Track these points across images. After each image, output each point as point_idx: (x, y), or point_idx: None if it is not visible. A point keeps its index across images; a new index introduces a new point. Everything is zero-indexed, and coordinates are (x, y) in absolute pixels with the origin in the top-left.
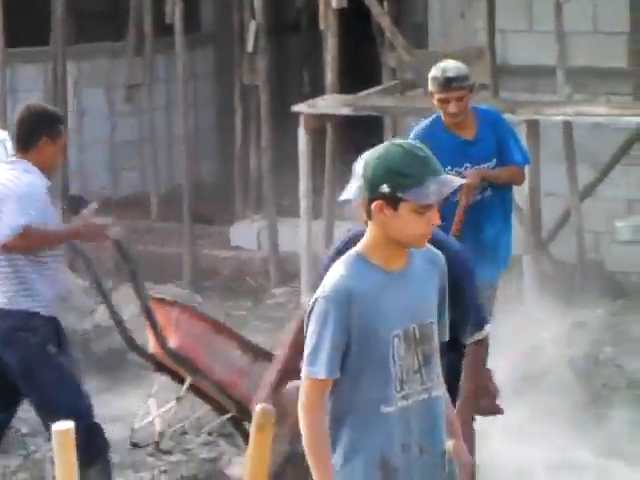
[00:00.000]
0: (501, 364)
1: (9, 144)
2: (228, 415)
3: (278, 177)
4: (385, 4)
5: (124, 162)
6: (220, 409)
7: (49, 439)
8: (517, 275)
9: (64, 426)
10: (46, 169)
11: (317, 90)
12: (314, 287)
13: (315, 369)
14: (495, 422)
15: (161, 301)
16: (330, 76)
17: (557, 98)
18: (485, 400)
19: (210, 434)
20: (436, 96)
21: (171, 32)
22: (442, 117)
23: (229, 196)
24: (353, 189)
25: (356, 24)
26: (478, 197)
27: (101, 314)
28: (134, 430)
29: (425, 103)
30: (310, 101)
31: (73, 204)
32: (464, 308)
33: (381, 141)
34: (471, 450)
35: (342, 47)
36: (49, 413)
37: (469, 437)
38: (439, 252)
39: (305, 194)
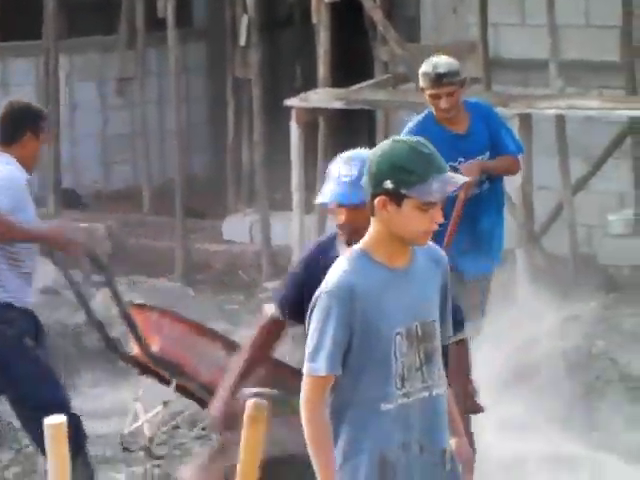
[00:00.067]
0: (494, 357)
1: None
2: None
3: (270, 171)
4: None
5: (116, 156)
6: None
7: (38, 436)
8: (510, 268)
9: (56, 420)
10: (27, 164)
11: (309, 84)
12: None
13: (316, 365)
14: (488, 415)
15: (140, 307)
16: (322, 70)
17: (549, 92)
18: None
19: (203, 429)
20: (427, 92)
21: (163, 26)
22: (434, 112)
23: (221, 190)
24: (328, 192)
25: (348, 18)
26: (476, 191)
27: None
28: (124, 435)
29: (417, 97)
30: (302, 95)
31: (65, 198)
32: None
33: (373, 135)
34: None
35: (334, 41)
36: (26, 407)
37: (469, 435)
38: (442, 251)
39: (297, 188)
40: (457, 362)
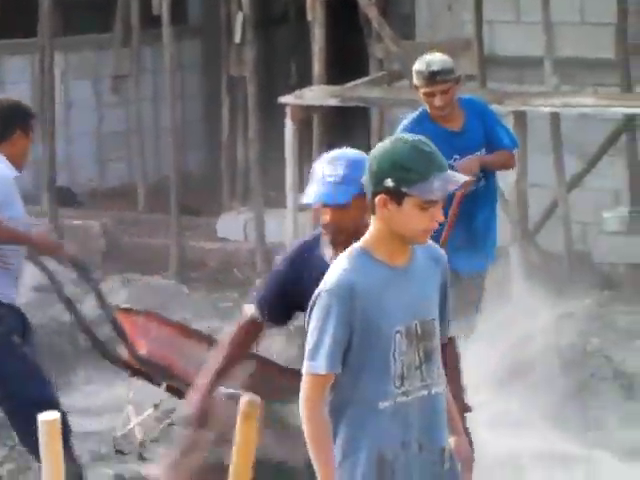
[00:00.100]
0: (488, 354)
1: None
2: None
3: (265, 168)
4: None
5: (111, 153)
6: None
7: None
8: (504, 266)
9: (51, 416)
10: (16, 161)
11: (304, 81)
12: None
13: (316, 364)
14: (482, 412)
15: (126, 311)
16: (317, 67)
17: (544, 89)
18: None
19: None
20: (421, 90)
21: (158, 24)
22: (428, 109)
23: (216, 187)
24: (313, 192)
25: (343, 15)
26: (473, 187)
27: (88, 305)
28: (116, 438)
29: (412, 94)
30: (297, 92)
31: (60, 196)
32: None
33: (368, 132)
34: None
35: (329, 38)
36: (13, 404)
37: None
38: (441, 250)
39: (292, 185)
40: (452, 360)
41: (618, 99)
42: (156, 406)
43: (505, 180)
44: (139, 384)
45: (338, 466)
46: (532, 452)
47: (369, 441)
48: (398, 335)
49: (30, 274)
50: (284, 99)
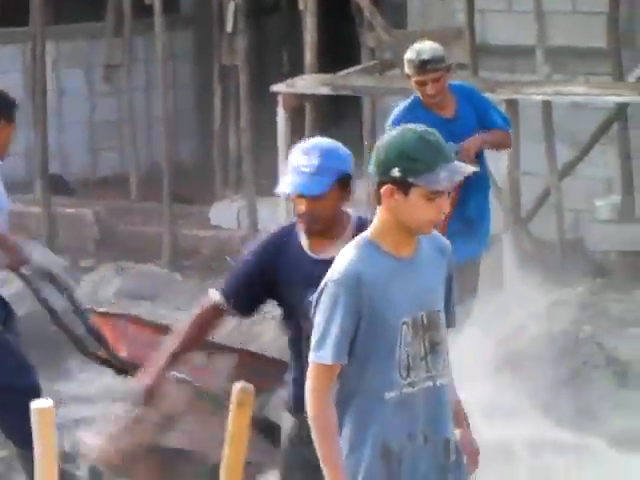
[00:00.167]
0: (481, 342)
1: None
2: None
3: (257, 157)
4: None
5: (103, 142)
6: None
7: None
8: (497, 253)
9: (44, 404)
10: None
11: (296, 70)
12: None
13: (323, 353)
14: (475, 400)
15: (104, 315)
16: (309, 56)
17: (536, 78)
18: None
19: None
20: (413, 79)
21: (150, 13)
22: (421, 97)
23: (209, 176)
24: (289, 183)
25: (335, 4)
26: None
27: (81, 293)
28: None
29: (404, 83)
30: (289, 81)
31: (53, 184)
32: None
33: (360, 121)
34: None
35: (321, 27)
36: None
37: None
38: (447, 240)
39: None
40: None
41: (610, 88)
42: None
43: (498, 168)
44: None
45: (345, 458)
46: (524, 440)
47: (375, 432)
48: (405, 326)
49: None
50: (276, 88)
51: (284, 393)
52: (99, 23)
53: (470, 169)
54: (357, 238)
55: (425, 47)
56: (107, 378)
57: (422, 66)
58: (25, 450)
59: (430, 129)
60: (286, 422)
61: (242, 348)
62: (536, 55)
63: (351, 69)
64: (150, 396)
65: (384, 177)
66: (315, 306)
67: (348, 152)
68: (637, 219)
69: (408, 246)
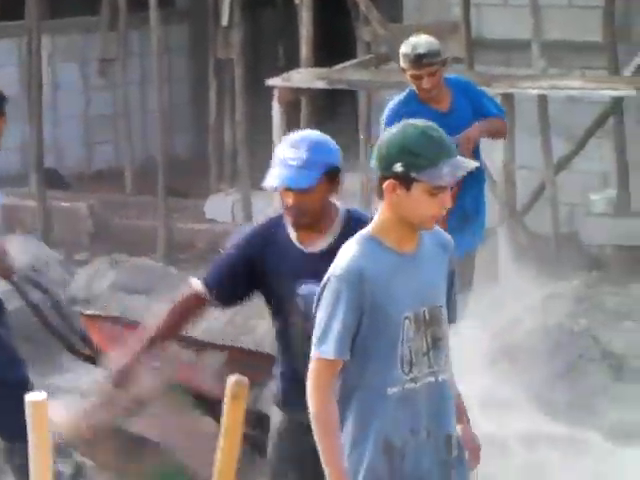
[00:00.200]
0: (476, 335)
1: None
2: None
3: (252, 150)
4: None
5: (98, 136)
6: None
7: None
8: (492, 247)
9: (39, 397)
10: None
11: (292, 64)
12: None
13: (325, 349)
14: (470, 393)
15: (92, 317)
16: (305, 50)
17: (532, 72)
18: None
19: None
20: (408, 73)
21: (145, 7)
22: (416, 91)
23: (203, 170)
24: (276, 176)
25: None
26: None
27: (76, 286)
28: None
29: (399, 77)
30: (284, 74)
31: (48, 178)
32: None
33: (355, 115)
34: None
35: (317, 21)
36: None
37: None
38: (449, 236)
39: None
40: None
41: (605, 82)
42: None
43: (493, 161)
44: None
45: (348, 456)
46: (520, 433)
47: (378, 427)
48: (407, 321)
49: (17, 257)
50: (271, 81)
51: (273, 387)
52: (94, 17)
53: (472, 164)
54: (359, 234)
55: (421, 41)
56: (99, 372)
57: (418, 60)
58: (13, 444)
59: (433, 124)
60: (275, 416)
61: (232, 345)
62: (532, 49)
63: (347, 63)
64: (122, 378)
65: (386, 172)
66: (317, 302)
67: (336, 145)
68: (632, 213)
69: (410, 242)
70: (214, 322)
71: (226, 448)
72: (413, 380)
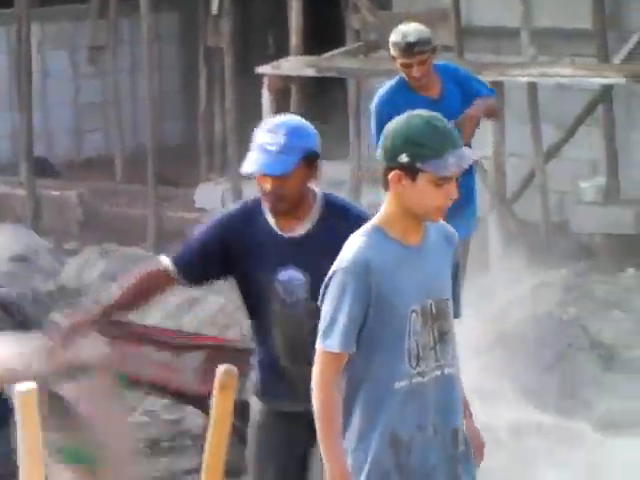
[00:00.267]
0: (465, 324)
1: None
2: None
3: (242, 139)
4: None
5: (88, 124)
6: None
7: None
8: (482, 235)
9: (27, 386)
10: None
11: (282, 52)
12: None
13: (330, 342)
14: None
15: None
16: (294, 38)
17: (522, 59)
18: None
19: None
20: (398, 61)
21: None
22: (406, 78)
23: (193, 158)
24: (253, 161)
25: None
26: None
27: (66, 276)
28: None
29: (389, 65)
30: (274, 63)
31: (38, 166)
32: None
33: (345, 102)
34: None
35: (306, 9)
36: None
37: None
38: (453, 229)
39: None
40: None
41: (595, 69)
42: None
43: (483, 149)
44: None
45: (354, 450)
46: (508, 422)
47: (385, 421)
48: (414, 314)
49: (7, 246)
50: (261, 69)
51: (252, 376)
52: (84, 5)
53: (477, 154)
54: (365, 226)
55: (410, 29)
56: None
57: (408, 49)
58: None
59: (437, 115)
60: (254, 406)
61: (209, 344)
62: (521, 37)
63: (336, 51)
64: (67, 340)
65: (391, 163)
66: (322, 295)
67: (315, 130)
68: (622, 201)
69: (416, 233)
70: (202, 312)
71: (215, 438)
72: (421, 374)
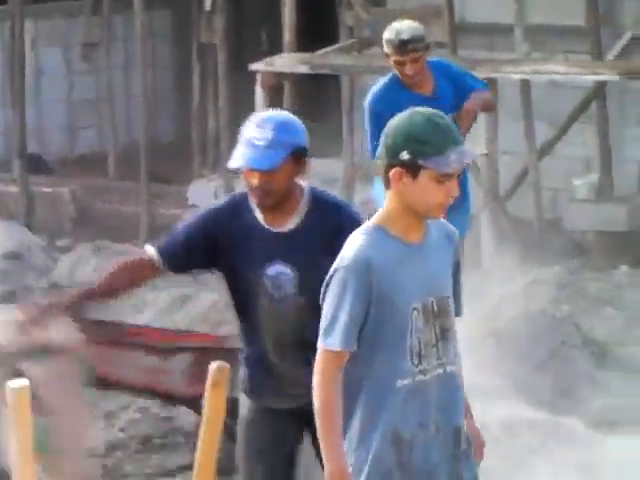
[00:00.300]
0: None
1: None
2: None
3: (235, 135)
4: None
5: (81, 121)
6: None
7: None
8: (475, 233)
9: (20, 384)
10: None
11: (275, 49)
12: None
13: (331, 340)
14: None
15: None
16: (288, 35)
17: (515, 56)
18: None
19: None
20: (392, 58)
21: None
22: (399, 75)
23: (186, 155)
24: (241, 156)
25: None
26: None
27: (59, 273)
28: None
29: (382, 61)
30: (267, 59)
31: (31, 163)
32: None
33: (338, 99)
34: None
35: (300, 6)
36: None
37: None
38: (454, 227)
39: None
40: None
41: (588, 66)
42: None
43: (476, 147)
44: None
45: (355, 449)
46: (501, 419)
47: (386, 419)
48: (415, 312)
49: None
50: (254, 66)
51: (240, 373)
52: (77, 2)
53: (478, 151)
54: (366, 224)
55: (404, 27)
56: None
57: (401, 46)
58: None
59: (438, 112)
60: (243, 402)
61: (196, 347)
62: (515, 33)
63: (329, 48)
64: (38, 320)
65: (393, 161)
66: (323, 294)
67: (303, 125)
68: (615, 198)
69: (417, 231)
70: (194, 309)
71: (207, 435)
72: (423, 372)
